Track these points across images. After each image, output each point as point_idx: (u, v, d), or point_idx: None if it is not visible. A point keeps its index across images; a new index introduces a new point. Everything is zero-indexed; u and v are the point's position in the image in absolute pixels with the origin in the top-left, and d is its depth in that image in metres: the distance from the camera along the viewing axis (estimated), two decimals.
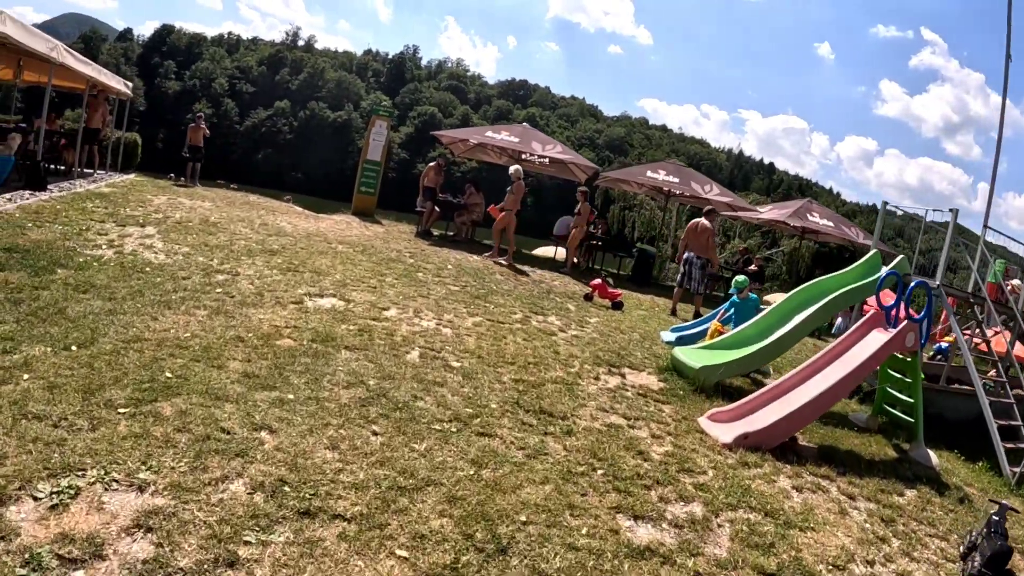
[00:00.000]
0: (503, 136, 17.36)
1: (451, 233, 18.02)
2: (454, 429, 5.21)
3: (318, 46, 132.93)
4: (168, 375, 5.05)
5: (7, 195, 11.07)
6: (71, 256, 7.82)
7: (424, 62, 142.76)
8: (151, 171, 23.75)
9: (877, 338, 7.24)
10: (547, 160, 18.93)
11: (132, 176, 18.03)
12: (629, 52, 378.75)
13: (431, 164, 17.12)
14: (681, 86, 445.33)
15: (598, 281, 12.55)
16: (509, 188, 14.26)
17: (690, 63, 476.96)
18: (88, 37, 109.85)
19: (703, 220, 12.79)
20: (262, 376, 5.37)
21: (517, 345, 8.00)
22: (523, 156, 18.23)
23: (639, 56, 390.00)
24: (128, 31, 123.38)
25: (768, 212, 20.44)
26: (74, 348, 5.28)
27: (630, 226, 37.25)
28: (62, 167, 15.78)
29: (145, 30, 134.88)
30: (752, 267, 18.61)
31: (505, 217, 14.32)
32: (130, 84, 18.06)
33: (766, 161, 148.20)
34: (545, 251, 24.58)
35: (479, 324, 8.64)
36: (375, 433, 4.83)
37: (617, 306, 12.10)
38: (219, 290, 7.49)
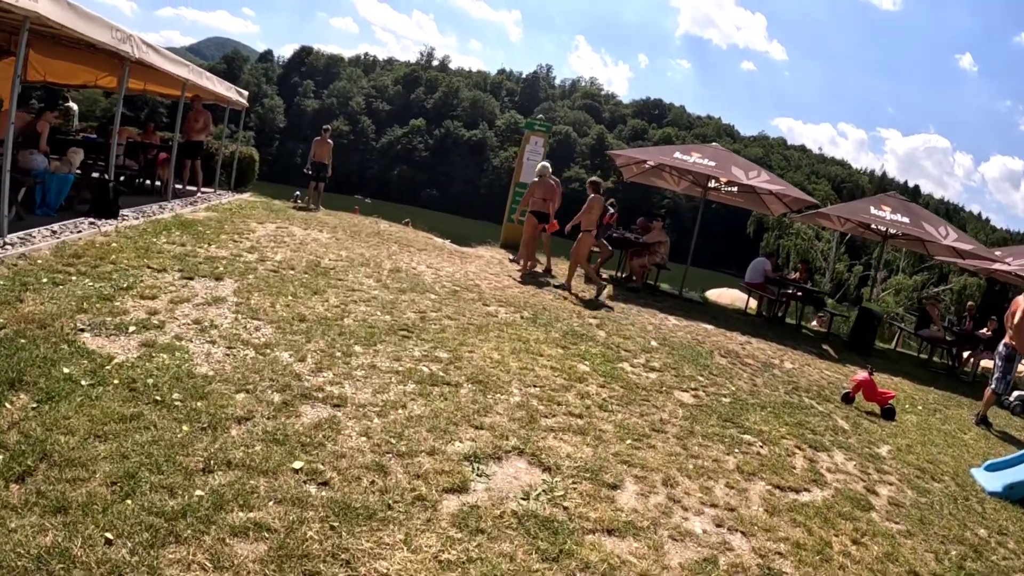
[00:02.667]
0: (695, 159, 13.22)
1: (623, 275, 14.14)
2: None
3: (452, 66, 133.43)
4: None
5: (54, 226, 8.00)
6: (57, 359, 4.27)
7: (557, 81, 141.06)
8: (293, 184, 21.34)
9: None
10: (735, 189, 14.86)
11: (246, 195, 15.11)
12: (762, 68, 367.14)
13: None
14: (816, 103, 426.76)
15: (863, 376, 8.33)
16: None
17: (825, 79, 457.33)
18: (230, 58, 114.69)
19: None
20: None
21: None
22: (711, 184, 14.23)
23: (773, 72, 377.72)
24: (268, 53, 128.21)
25: (1013, 262, 15.12)
26: None
27: (784, 256, 32.77)
28: (158, 183, 12.90)
29: (285, 52, 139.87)
30: (984, 331, 13.92)
31: (527, 223, 11.92)
32: (244, 92, 15.12)
33: (910, 183, 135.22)
34: (722, 294, 20.30)
35: (773, 505, 4.64)
36: None
37: (889, 413, 8.11)
38: (298, 466, 3.57)
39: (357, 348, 5.49)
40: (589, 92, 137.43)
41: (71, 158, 9.30)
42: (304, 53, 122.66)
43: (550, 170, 12.07)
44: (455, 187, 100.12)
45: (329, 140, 15.08)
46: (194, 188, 13.70)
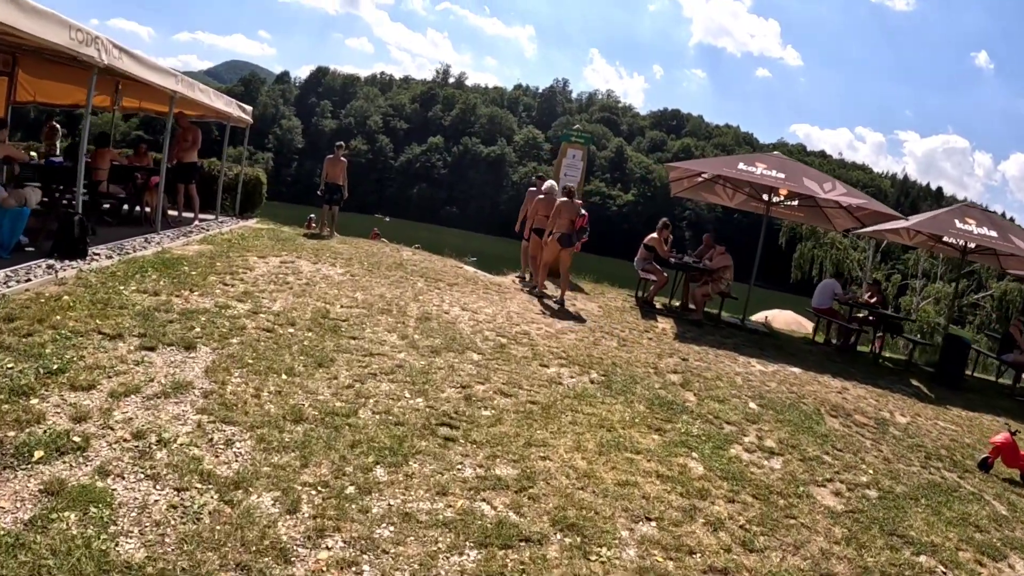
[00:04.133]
0: (762, 170, 11.37)
1: (676, 304, 12.33)
2: None
3: (468, 82, 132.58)
4: None
5: (8, 270, 6.32)
6: None
7: (574, 95, 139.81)
8: (314, 205, 19.86)
9: None
10: (796, 203, 13.08)
11: (251, 222, 13.42)
12: (778, 75, 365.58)
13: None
14: (833, 108, 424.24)
15: (1002, 438, 6.60)
16: None
17: (841, 83, 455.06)
18: (247, 80, 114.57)
19: None
20: None
21: None
22: (773, 198, 12.57)
23: (788, 78, 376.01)
24: (285, 74, 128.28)
25: None
26: None
27: (818, 267, 30.89)
28: (147, 210, 11.26)
29: (301, 73, 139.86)
30: None
31: (533, 242, 11.15)
32: (248, 108, 13.44)
33: (932, 185, 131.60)
34: (775, 317, 18.41)
35: None
36: None
37: None
38: None
39: (379, 473, 3.64)
40: (606, 105, 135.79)
41: (27, 194, 7.65)
42: (320, 73, 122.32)
43: (558, 189, 11.13)
44: (475, 204, 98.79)
45: (343, 158, 13.32)
46: (191, 215, 12.04)
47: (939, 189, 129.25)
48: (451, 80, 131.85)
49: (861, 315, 12.83)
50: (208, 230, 11.29)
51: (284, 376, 4.75)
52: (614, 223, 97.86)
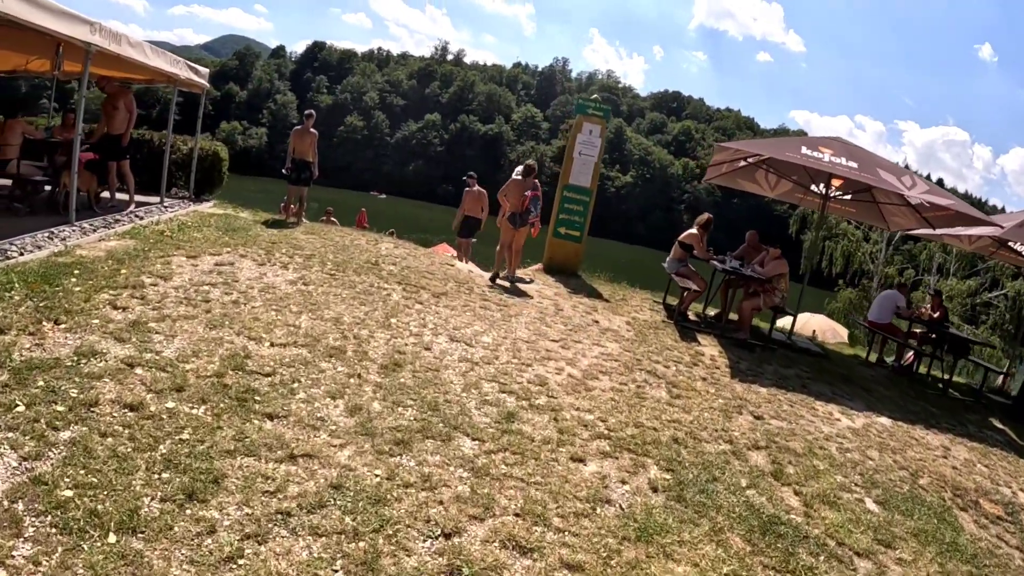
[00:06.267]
0: (829, 156, 9.00)
1: (711, 314, 10.33)
2: None
3: (467, 60, 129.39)
4: None
5: None
6: None
7: (573, 74, 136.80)
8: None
9: None
10: (849, 196, 10.80)
11: (206, 206, 11.12)
12: (779, 60, 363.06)
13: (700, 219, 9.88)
14: (834, 95, 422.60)
15: None
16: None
17: (843, 70, 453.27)
18: (242, 54, 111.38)
19: None
20: None
21: None
22: (824, 190, 10.11)
23: (790, 63, 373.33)
24: (281, 48, 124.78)
25: None
26: None
27: (827, 260, 29.03)
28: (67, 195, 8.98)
29: (298, 48, 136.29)
30: None
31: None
32: (203, 70, 11.02)
33: (932, 177, 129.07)
34: (806, 324, 16.39)
35: None
36: None
37: None
38: None
39: None
40: (606, 85, 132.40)
41: None
42: (317, 48, 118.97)
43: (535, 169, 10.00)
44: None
45: (313, 130, 10.92)
46: (126, 197, 9.80)
47: (939, 180, 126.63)
48: (449, 57, 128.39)
49: (919, 331, 10.69)
50: (142, 218, 9.04)
51: (112, 538, 2.50)
52: (611, 205, 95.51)
